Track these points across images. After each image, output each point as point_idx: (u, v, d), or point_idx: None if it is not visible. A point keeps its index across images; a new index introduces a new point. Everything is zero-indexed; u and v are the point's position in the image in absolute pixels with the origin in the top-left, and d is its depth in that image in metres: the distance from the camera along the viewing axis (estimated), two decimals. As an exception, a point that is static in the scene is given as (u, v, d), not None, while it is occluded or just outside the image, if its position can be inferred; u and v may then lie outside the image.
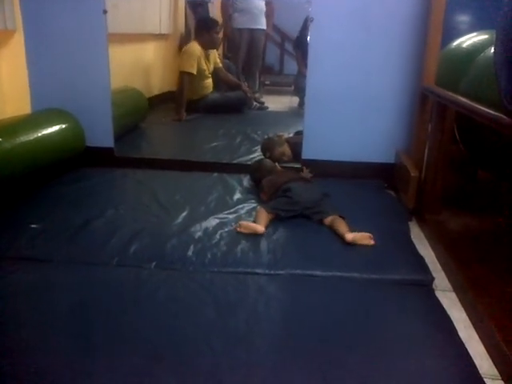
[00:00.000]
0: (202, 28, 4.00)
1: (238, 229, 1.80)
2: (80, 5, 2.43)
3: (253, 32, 4.56)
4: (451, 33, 2.32)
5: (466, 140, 2.12)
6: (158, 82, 4.37)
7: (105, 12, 2.43)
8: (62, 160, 2.40)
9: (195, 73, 3.82)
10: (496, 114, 1.42)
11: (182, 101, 3.76)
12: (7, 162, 1.99)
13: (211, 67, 4.09)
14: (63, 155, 2.40)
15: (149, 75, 4.21)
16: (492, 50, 1.53)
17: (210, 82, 4.09)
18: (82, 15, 2.45)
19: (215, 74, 4.18)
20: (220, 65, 4.25)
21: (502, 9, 1.38)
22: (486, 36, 2.13)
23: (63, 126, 2.40)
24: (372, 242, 1.72)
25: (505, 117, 1.37)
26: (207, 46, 3.96)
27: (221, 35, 4.50)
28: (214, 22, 4.07)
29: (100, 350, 1.17)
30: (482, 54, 1.97)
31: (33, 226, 1.80)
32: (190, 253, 1.64)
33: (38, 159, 2.19)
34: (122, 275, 1.52)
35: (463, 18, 2.54)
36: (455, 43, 2.30)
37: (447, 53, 2.29)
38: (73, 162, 2.49)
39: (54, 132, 2.33)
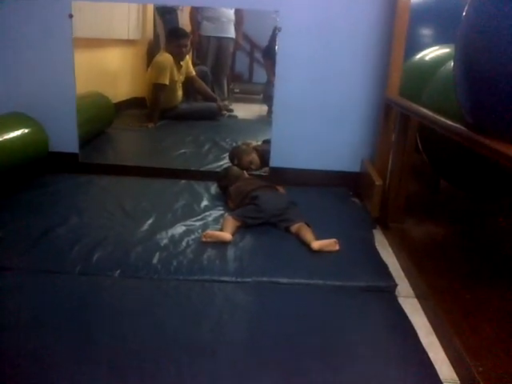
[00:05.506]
0: (171, 38, 3.98)
1: (204, 239, 1.77)
2: (46, 8, 2.38)
3: (221, 40, 4.57)
4: (413, 46, 2.38)
5: (428, 150, 2.17)
6: (125, 88, 4.31)
7: (70, 16, 2.39)
8: (24, 165, 2.33)
9: (168, 83, 3.80)
10: (456, 125, 1.47)
11: (155, 111, 3.77)
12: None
13: (182, 78, 4.07)
14: (25, 160, 2.33)
15: (116, 81, 4.15)
16: (452, 63, 1.59)
17: (180, 92, 4.06)
18: (48, 19, 2.40)
19: (189, 84, 4.14)
20: (194, 73, 4.22)
21: (460, 25, 1.43)
22: (447, 50, 2.20)
23: (25, 130, 2.33)
24: (337, 248, 1.74)
25: (464, 128, 1.42)
26: (175, 56, 3.94)
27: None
28: (184, 32, 4.05)
29: (59, 360, 1.14)
30: (442, 68, 2.03)
31: (-8, 233, 1.75)
32: (155, 260, 1.62)
33: (-2, 164, 2.13)
34: (85, 284, 1.49)
35: (425, 32, 2.62)
36: (418, 56, 2.36)
37: (411, 65, 2.35)
38: (36, 167, 2.42)
39: (15, 136, 2.27)
